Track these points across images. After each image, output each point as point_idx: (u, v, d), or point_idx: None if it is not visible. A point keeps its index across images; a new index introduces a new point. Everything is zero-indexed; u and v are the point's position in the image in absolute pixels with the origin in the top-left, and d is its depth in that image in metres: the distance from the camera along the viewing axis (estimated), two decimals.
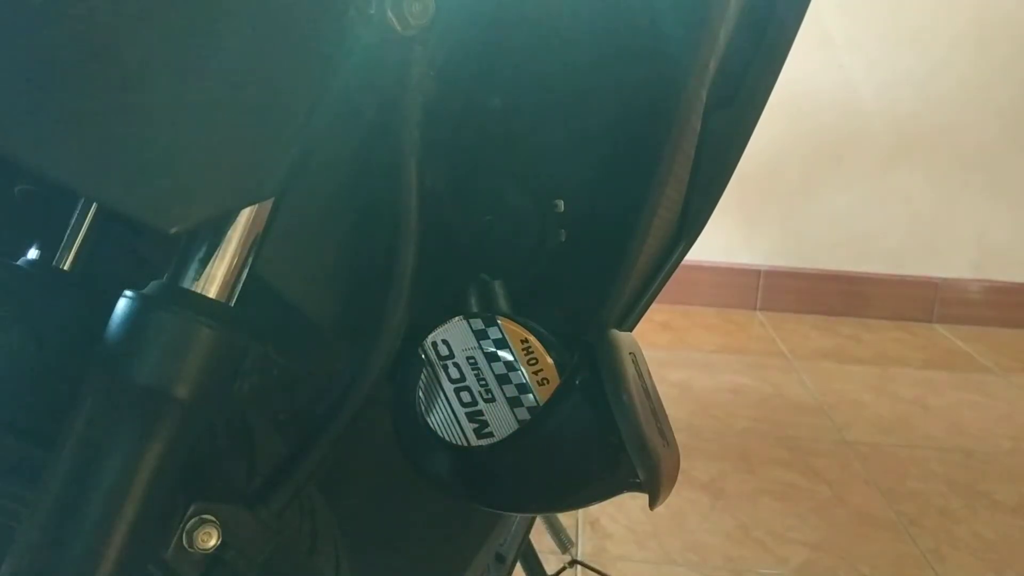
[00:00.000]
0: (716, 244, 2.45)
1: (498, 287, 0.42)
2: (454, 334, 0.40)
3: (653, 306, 0.47)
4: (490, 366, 0.40)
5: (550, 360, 0.40)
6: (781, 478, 1.46)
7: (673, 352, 2.08)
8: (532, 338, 0.40)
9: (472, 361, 0.40)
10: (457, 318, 0.40)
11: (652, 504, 0.40)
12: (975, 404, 1.86)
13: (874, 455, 1.57)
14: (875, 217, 2.45)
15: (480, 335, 0.40)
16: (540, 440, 0.40)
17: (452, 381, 0.40)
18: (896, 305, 2.46)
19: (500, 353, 0.40)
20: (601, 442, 0.39)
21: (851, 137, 2.40)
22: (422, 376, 0.40)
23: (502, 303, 0.42)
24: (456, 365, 0.40)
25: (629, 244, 0.42)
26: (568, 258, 0.44)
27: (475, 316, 0.40)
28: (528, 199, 0.44)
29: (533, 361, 0.40)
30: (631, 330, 0.47)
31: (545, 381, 0.40)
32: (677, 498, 1.37)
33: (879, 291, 2.46)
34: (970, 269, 2.48)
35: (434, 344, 0.40)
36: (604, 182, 0.44)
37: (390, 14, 0.35)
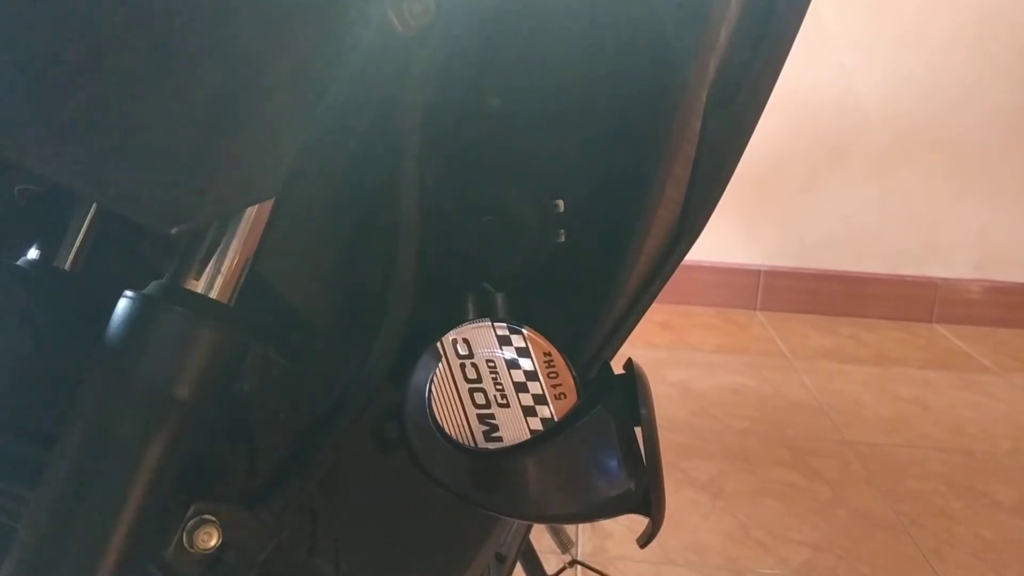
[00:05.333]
0: (716, 244, 2.45)
1: (500, 299, 0.43)
2: (476, 336, 0.40)
3: (653, 306, 0.47)
4: (509, 372, 0.40)
5: (571, 376, 0.41)
6: (781, 478, 1.46)
7: (673, 352, 2.08)
8: (555, 352, 0.41)
9: (491, 365, 0.40)
10: (482, 320, 0.41)
11: (654, 533, 0.41)
12: (975, 404, 1.86)
13: (874, 455, 1.57)
14: (875, 217, 2.45)
15: (503, 341, 0.40)
16: (551, 453, 0.40)
17: (468, 381, 0.40)
18: (896, 305, 2.46)
19: (521, 361, 0.40)
20: (614, 466, 0.40)
21: (851, 137, 2.40)
22: (435, 371, 0.40)
23: (501, 313, 0.43)
24: (474, 366, 0.40)
25: (629, 244, 0.42)
26: (568, 258, 0.44)
27: (501, 321, 0.41)
28: (528, 199, 0.44)
29: (553, 375, 0.40)
30: (631, 330, 0.47)
31: (563, 396, 0.40)
32: (677, 498, 1.37)
33: (879, 291, 2.46)
34: (970, 269, 2.48)
35: (453, 342, 0.40)
36: (604, 182, 0.44)
37: (390, 14, 0.35)
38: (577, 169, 0.44)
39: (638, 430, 0.42)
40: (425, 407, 0.40)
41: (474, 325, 0.41)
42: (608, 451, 0.41)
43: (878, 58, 2.34)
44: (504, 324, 0.41)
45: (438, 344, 0.40)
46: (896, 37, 2.33)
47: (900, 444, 1.63)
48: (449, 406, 0.40)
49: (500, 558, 0.60)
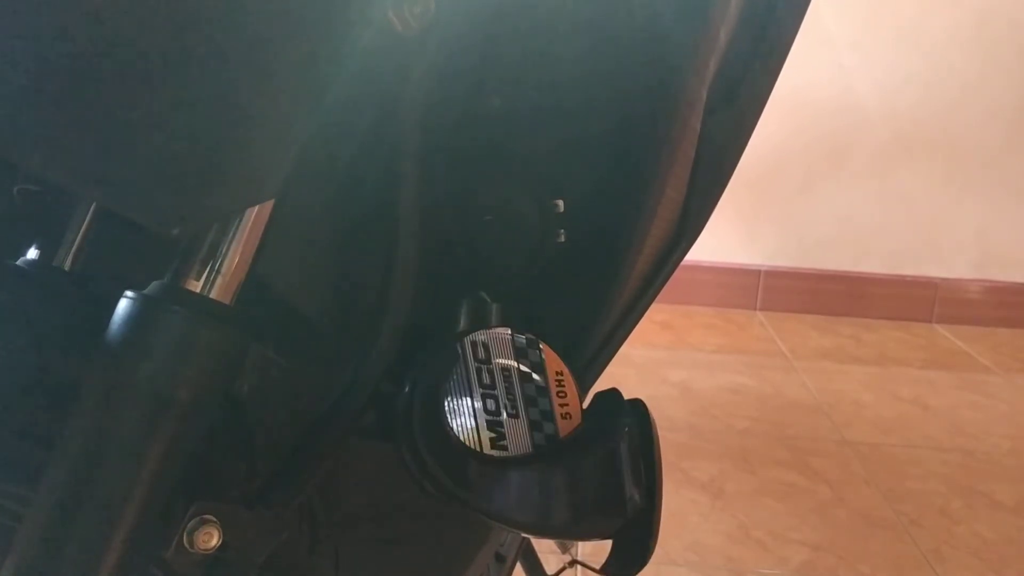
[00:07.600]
0: (716, 244, 2.45)
1: (495, 309, 0.43)
2: (496, 342, 0.41)
3: (653, 306, 0.47)
4: (522, 384, 0.40)
5: (577, 399, 0.41)
6: (781, 478, 1.46)
7: (673, 352, 2.08)
8: (567, 372, 0.41)
9: (506, 374, 0.40)
10: (504, 328, 0.41)
11: (644, 563, 0.41)
12: (975, 404, 1.86)
13: (874, 455, 1.57)
14: (875, 217, 2.45)
15: (520, 353, 0.41)
16: (555, 471, 0.40)
17: (482, 386, 0.40)
18: (896, 305, 2.46)
19: (535, 376, 0.41)
20: (614, 496, 0.40)
21: (851, 137, 2.40)
22: (452, 372, 0.40)
23: (495, 322, 0.43)
24: (489, 372, 0.40)
25: (629, 244, 0.42)
26: (568, 258, 0.44)
27: (521, 333, 0.41)
28: (528, 199, 0.44)
29: (562, 394, 0.41)
30: (631, 330, 0.47)
31: (568, 416, 0.41)
32: (677, 498, 1.37)
33: (879, 291, 2.46)
34: (970, 269, 2.48)
35: (473, 344, 0.40)
36: (604, 183, 0.44)
37: (391, 15, 0.35)
38: (577, 169, 0.44)
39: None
40: (436, 406, 0.40)
41: (495, 331, 0.41)
42: (611, 478, 0.40)
43: (877, 58, 2.34)
44: (524, 336, 0.41)
45: (457, 345, 0.40)
46: (895, 37, 2.33)
47: (900, 444, 1.63)
48: (460, 408, 0.40)
49: (500, 558, 0.60)
